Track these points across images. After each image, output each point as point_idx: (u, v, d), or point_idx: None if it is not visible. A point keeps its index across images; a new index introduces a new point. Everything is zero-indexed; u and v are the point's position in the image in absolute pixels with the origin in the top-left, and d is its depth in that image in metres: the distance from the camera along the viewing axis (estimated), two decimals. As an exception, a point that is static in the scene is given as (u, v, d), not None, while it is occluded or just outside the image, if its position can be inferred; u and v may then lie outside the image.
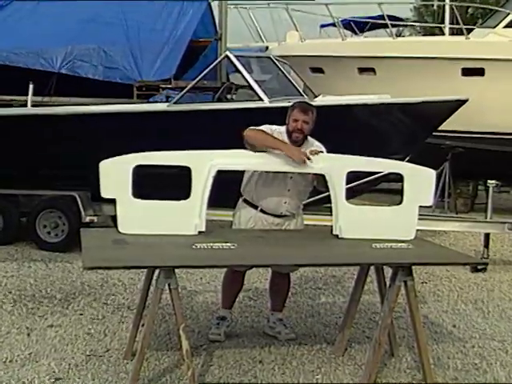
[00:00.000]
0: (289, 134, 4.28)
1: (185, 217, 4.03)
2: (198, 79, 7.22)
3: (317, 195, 6.02)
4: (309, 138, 4.35)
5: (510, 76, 9.58)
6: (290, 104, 4.39)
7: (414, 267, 3.76)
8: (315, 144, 4.35)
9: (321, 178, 4.23)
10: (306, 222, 4.64)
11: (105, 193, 3.99)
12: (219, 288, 4.80)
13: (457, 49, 10.04)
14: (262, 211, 4.36)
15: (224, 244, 3.80)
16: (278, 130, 4.30)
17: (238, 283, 4.57)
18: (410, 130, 7.26)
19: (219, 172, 4.09)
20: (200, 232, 4.03)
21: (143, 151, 4.09)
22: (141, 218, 3.99)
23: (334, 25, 11.89)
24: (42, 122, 6.96)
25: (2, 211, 7.19)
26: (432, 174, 4.28)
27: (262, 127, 4.24)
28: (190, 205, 4.04)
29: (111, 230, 4.23)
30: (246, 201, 4.42)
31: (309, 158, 4.08)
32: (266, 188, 4.33)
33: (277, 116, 4.45)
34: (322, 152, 4.25)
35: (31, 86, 7.49)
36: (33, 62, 8.58)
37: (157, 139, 5.75)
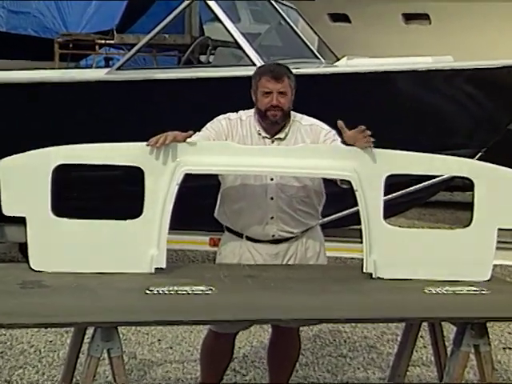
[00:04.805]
0: (262, 114, 4.27)
1: (135, 245, 4.05)
2: (154, 32, 7.21)
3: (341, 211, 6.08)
4: (295, 114, 4.35)
5: None
6: (254, 71, 4.36)
7: (490, 324, 3.77)
8: (305, 122, 4.34)
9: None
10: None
11: (8, 208, 4.00)
12: (189, 356, 4.81)
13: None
14: (249, 238, 4.39)
15: (195, 288, 3.81)
16: (241, 118, 4.32)
17: (226, 352, 4.57)
18: (485, 110, 7.31)
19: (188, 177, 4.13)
20: (158, 269, 4.05)
21: (69, 143, 4.10)
22: (66, 247, 4.00)
23: None
24: None
25: None
26: (518, 178, 4.32)
27: (206, 129, 4.30)
28: (144, 226, 4.05)
29: (19, 266, 4.23)
30: (228, 229, 4.46)
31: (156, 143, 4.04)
32: (239, 202, 4.33)
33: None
34: (331, 134, 4.29)
35: None
36: None
37: (91, 124, 5.77)
